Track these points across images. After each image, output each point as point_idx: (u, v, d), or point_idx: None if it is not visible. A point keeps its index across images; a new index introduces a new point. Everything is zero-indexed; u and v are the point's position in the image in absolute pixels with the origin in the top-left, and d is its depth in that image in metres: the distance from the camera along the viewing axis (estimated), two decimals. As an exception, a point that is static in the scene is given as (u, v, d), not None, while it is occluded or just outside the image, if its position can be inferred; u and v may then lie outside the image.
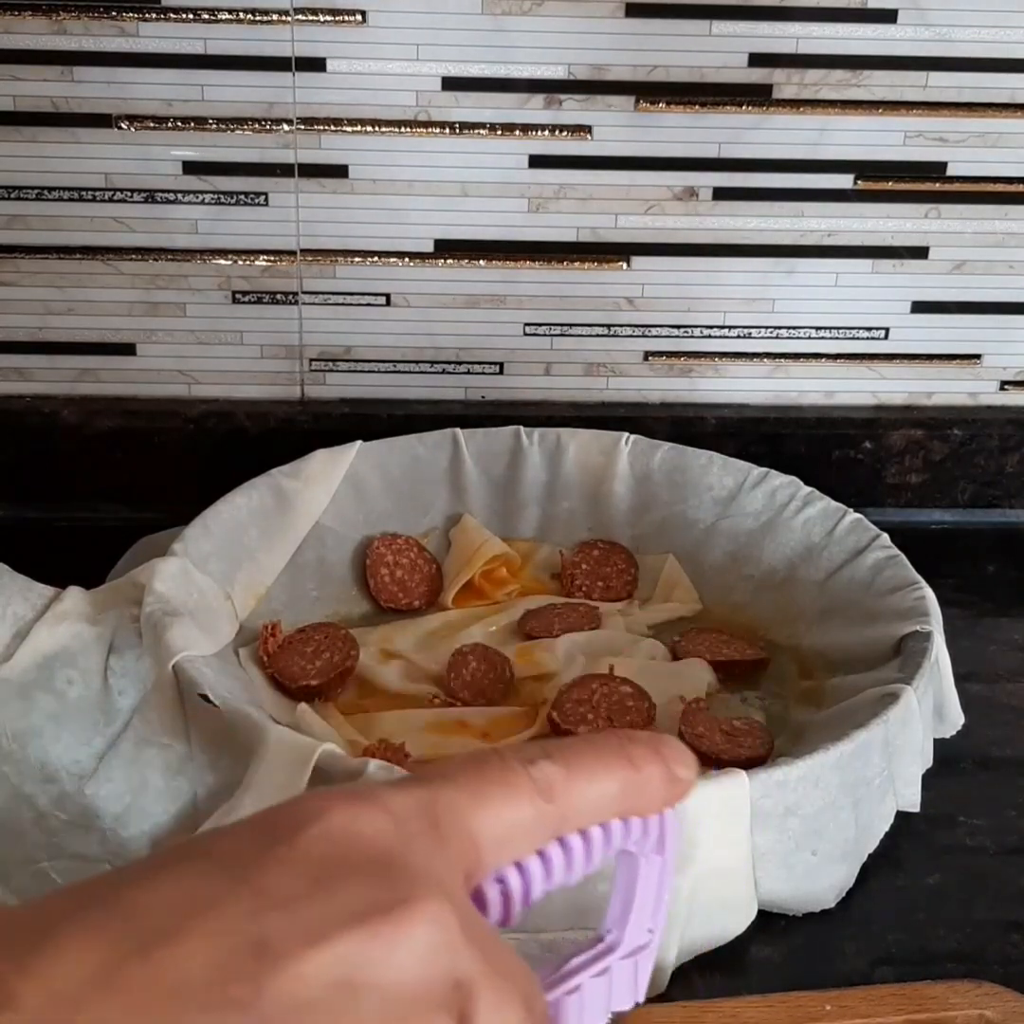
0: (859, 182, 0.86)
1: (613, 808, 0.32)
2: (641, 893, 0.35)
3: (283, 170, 0.83)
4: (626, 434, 0.81)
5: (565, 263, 0.87)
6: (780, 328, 0.90)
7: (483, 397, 0.90)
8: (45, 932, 0.26)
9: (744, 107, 0.84)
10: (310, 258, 0.86)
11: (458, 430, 0.81)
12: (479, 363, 0.89)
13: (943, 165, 0.86)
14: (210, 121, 0.82)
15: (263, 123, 0.82)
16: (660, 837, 0.34)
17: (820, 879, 0.59)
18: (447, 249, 0.86)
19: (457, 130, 0.83)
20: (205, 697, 0.59)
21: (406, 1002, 0.27)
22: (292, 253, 0.86)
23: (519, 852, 0.31)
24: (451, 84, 0.82)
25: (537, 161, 0.84)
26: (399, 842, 0.29)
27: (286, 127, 0.82)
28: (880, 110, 0.84)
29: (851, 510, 0.76)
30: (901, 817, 0.63)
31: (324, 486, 0.77)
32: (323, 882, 0.27)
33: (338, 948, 0.26)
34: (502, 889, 0.31)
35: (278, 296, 0.87)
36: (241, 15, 0.80)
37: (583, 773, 0.32)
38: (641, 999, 0.35)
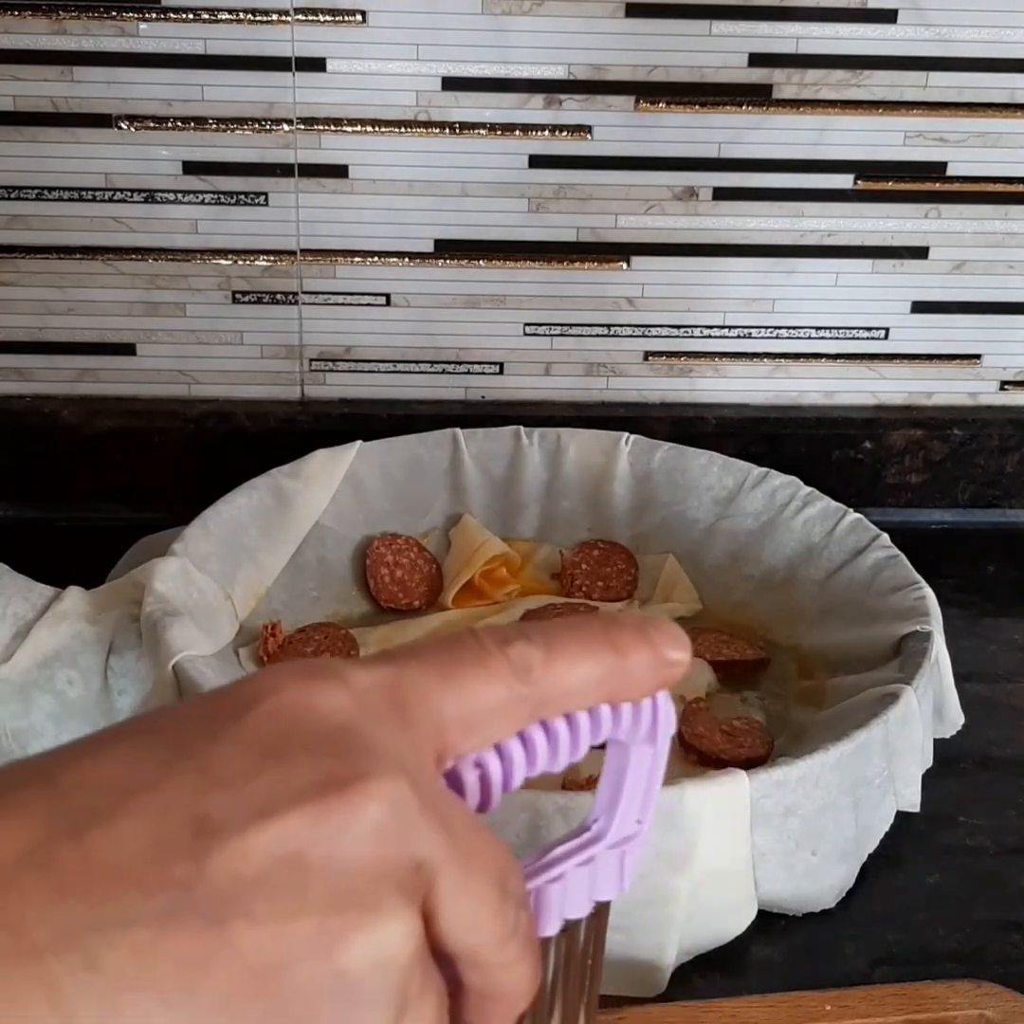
0: (859, 182, 0.86)
1: (598, 692, 0.31)
2: (630, 783, 0.34)
3: (283, 170, 0.83)
4: (626, 434, 0.81)
5: (565, 263, 0.87)
6: (780, 328, 0.90)
7: (483, 397, 0.90)
8: None
9: (744, 107, 0.84)
10: (310, 258, 0.86)
11: (458, 430, 0.81)
12: (479, 363, 0.89)
13: (943, 165, 0.86)
14: (210, 121, 0.82)
15: (263, 123, 0.82)
16: (652, 726, 0.33)
17: (820, 879, 0.59)
18: (447, 249, 0.86)
19: (457, 130, 0.83)
20: (205, 697, 0.59)
21: (359, 882, 0.26)
22: (292, 253, 0.86)
23: (496, 735, 0.29)
24: (451, 84, 0.82)
25: (537, 161, 0.84)
26: (357, 718, 0.27)
27: (286, 127, 0.82)
28: (880, 110, 0.84)
29: (851, 510, 0.76)
30: (901, 817, 0.63)
31: (324, 486, 0.77)
32: (272, 758, 0.26)
33: (285, 824, 0.25)
34: (480, 774, 0.29)
35: (278, 296, 0.87)
36: (241, 15, 0.80)
37: (564, 655, 0.30)
38: (625, 889, 0.34)
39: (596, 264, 0.87)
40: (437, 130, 0.83)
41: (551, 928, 0.32)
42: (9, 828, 0.25)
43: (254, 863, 0.25)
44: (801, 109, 0.84)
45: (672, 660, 0.31)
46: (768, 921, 0.58)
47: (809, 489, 0.78)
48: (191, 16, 0.79)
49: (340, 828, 0.26)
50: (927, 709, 0.65)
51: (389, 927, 0.26)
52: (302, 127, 0.82)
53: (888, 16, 0.82)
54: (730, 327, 0.89)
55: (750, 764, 0.59)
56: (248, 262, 0.86)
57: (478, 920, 0.27)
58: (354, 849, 0.26)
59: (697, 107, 0.83)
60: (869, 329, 0.90)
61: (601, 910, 0.34)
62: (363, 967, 0.25)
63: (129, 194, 0.83)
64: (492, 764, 0.29)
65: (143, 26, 0.79)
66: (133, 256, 0.85)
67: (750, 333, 0.90)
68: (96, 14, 0.79)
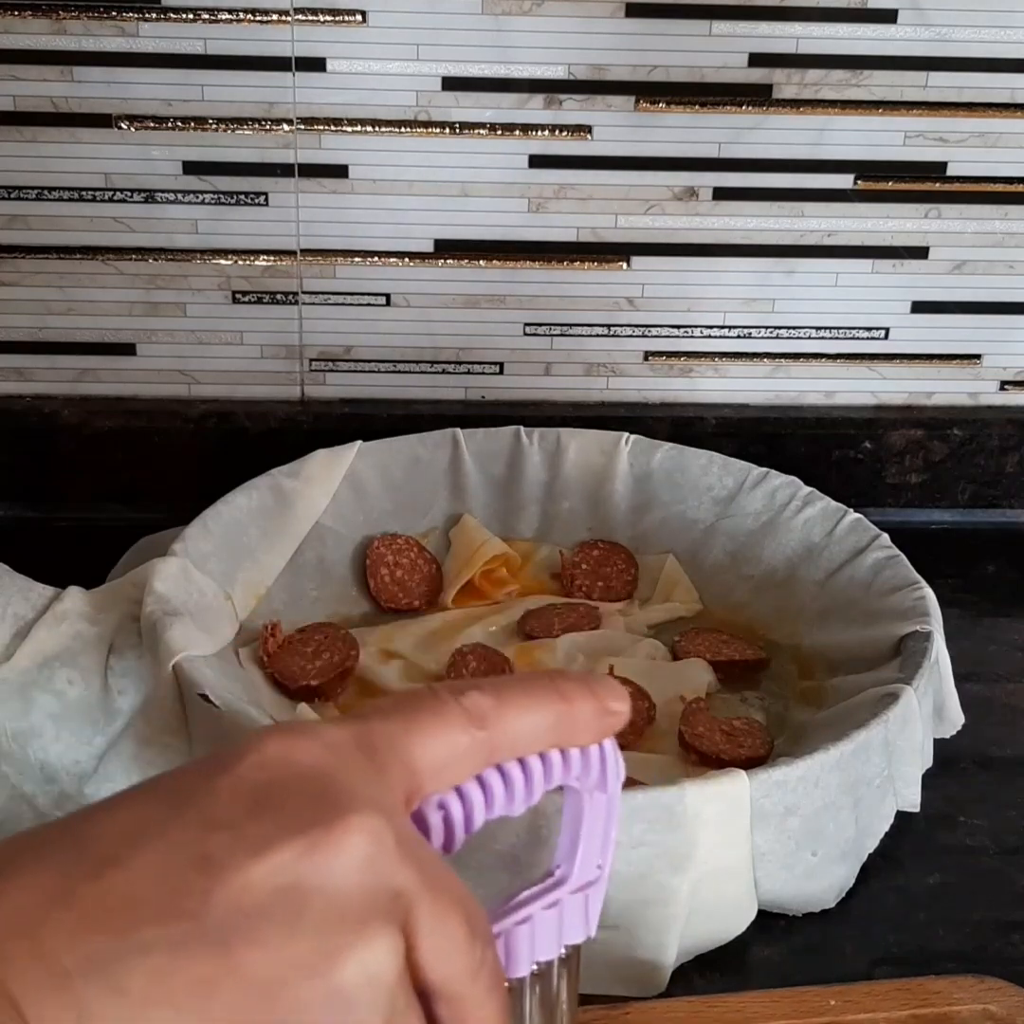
0: (859, 182, 0.86)
1: (547, 738, 0.34)
2: (587, 829, 0.36)
3: (283, 170, 0.83)
4: (626, 434, 0.81)
5: (565, 263, 0.87)
6: (780, 328, 0.90)
7: (483, 397, 0.90)
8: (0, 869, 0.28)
9: (744, 107, 0.84)
10: (310, 258, 0.86)
11: (458, 430, 0.81)
12: (479, 363, 0.89)
13: (943, 165, 0.86)
14: (210, 121, 0.82)
15: (263, 123, 0.82)
16: (602, 773, 0.35)
17: (820, 879, 0.59)
18: (447, 249, 0.86)
19: (457, 130, 0.83)
20: (205, 697, 0.59)
21: (348, 907, 0.29)
22: (292, 253, 0.86)
23: (457, 778, 0.32)
24: (451, 84, 0.82)
25: (537, 161, 0.84)
26: (333, 766, 0.30)
27: (286, 127, 0.82)
28: (880, 110, 0.84)
29: (851, 510, 0.76)
30: (901, 817, 0.63)
31: (324, 486, 0.77)
32: (263, 804, 0.29)
33: (280, 858, 0.28)
34: (444, 815, 0.32)
35: (278, 296, 0.87)
36: (241, 15, 0.80)
37: (514, 703, 0.33)
38: (593, 933, 0.37)
39: (596, 264, 0.87)
40: (437, 130, 0.83)
41: (522, 969, 0.34)
42: (36, 875, 0.28)
43: (254, 894, 0.28)
44: (801, 109, 0.84)
45: (614, 709, 0.35)
46: (768, 921, 0.58)
47: (809, 489, 0.78)
48: (191, 16, 0.79)
49: (328, 859, 0.29)
50: (927, 709, 0.65)
51: (378, 946, 0.29)
52: (302, 127, 0.82)
53: (888, 16, 0.82)
54: (730, 327, 0.89)
55: (750, 764, 0.59)
56: (248, 262, 0.86)
57: (450, 952, 0.30)
58: (342, 878, 0.29)
59: (697, 107, 0.83)
60: (869, 329, 0.90)
61: (572, 954, 0.36)
62: (356, 983, 0.28)
63: (129, 194, 0.83)
64: (454, 806, 0.32)
65: (143, 26, 0.79)
66: (133, 256, 0.85)
67: (750, 333, 0.90)
68: (96, 14, 0.79)
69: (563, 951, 0.36)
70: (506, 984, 0.33)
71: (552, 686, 0.34)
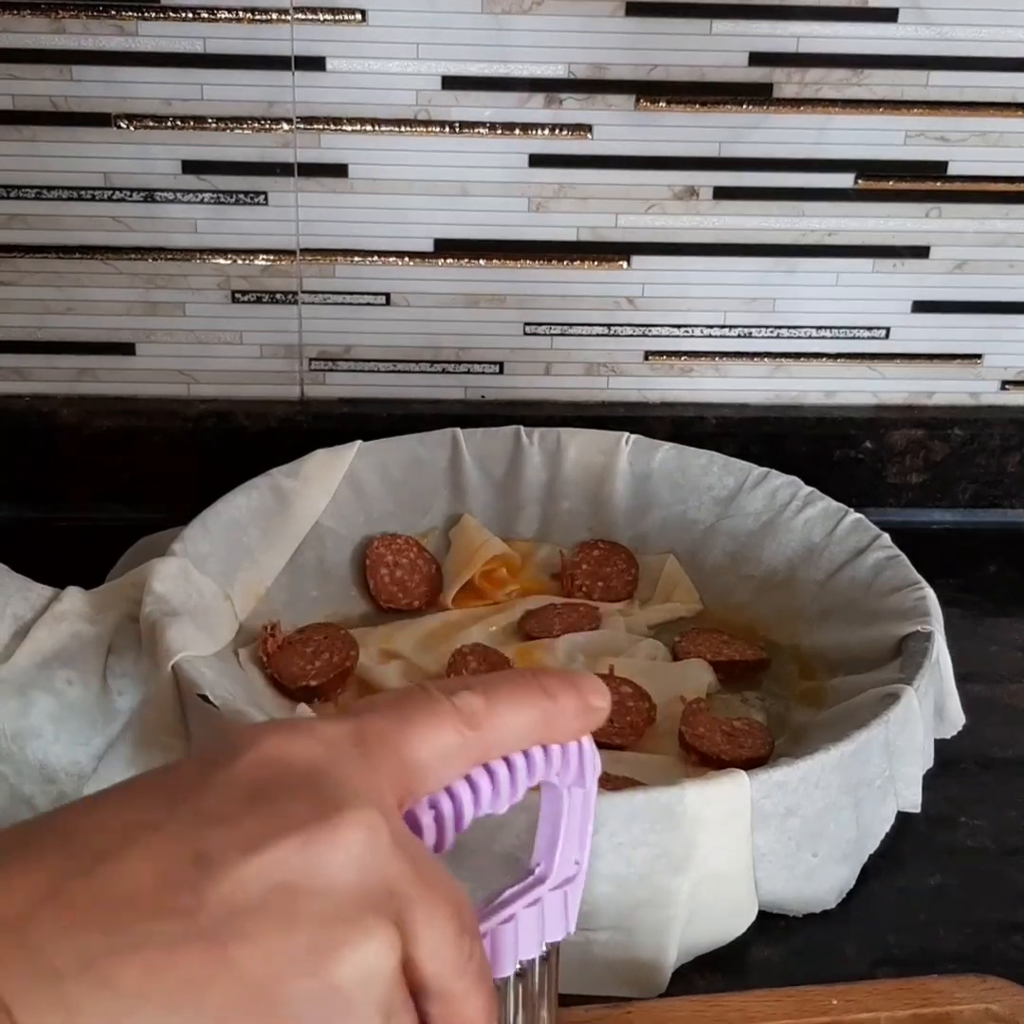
0: (860, 181, 0.86)
1: (533, 735, 0.34)
2: (566, 825, 0.36)
3: (283, 169, 0.83)
4: (626, 434, 0.81)
5: (565, 263, 0.87)
6: (780, 328, 0.90)
7: (483, 397, 0.90)
8: None
9: (744, 106, 0.83)
10: (310, 258, 0.86)
11: (458, 430, 0.81)
12: (479, 363, 0.89)
13: (944, 164, 0.86)
14: (209, 120, 0.82)
15: (262, 122, 0.82)
16: (580, 769, 0.35)
17: (821, 880, 0.59)
18: (447, 249, 0.86)
19: (457, 129, 0.83)
20: (205, 697, 0.59)
21: (343, 904, 0.28)
22: (292, 253, 0.86)
23: (448, 777, 0.32)
24: (451, 83, 0.82)
25: (537, 160, 0.84)
26: (327, 763, 0.30)
27: (285, 126, 0.82)
28: (881, 109, 0.84)
29: (852, 510, 0.76)
30: (902, 818, 0.63)
31: (324, 486, 0.77)
32: (258, 800, 0.29)
33: (275, 854, 0.28)
34: (435, 814, 0.32)
35: (278, 296, 0.87)
36: (240, 14, 0.79)
37: (503, 702, 0.33)
38: (572, 930, 0.37)
39: (596, 264, 0.87)
40: (437, 129, 0.83)
41: (508, 968, 0.34)
42: (27, 872, 0.27)
43: (248, 890, 0.28)
44: (801, 108, 0.84)
45: (596, 706, 0.35)
46: (769, 922, 0.58)
47: (810, 489, 0.78)
48: (190, 15, 0.79)
49: (323, 855, 0.28)
50: (928, 709, 0.65)
51: (373, 943, 0.28)
52: (302, 126, 0.82)
53: (889, 15, 0.82)
54: (730, 326, 0.89)
55: (751, 765, 0.59)
56: (248, 261, 0.86)
57: (440, 947, 0.30)
58: (338, 874, 0.28)
59: (697, 106, 0.83)
60: (870, 329, 0.90)
61: (552, 952, 0.36)
62: (352, 980, 0.28)
63: (128, 193, 0.83)
64: (445, 805, 0.32)
65: (142, 25, 0.79)
66: (132, 255, 0.85)
67: (750, 333, 0.90)
68: (95, 13, 0.79)
69: (544, 949, 0.36)
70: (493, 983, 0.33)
71: (537, 684, 0.34)
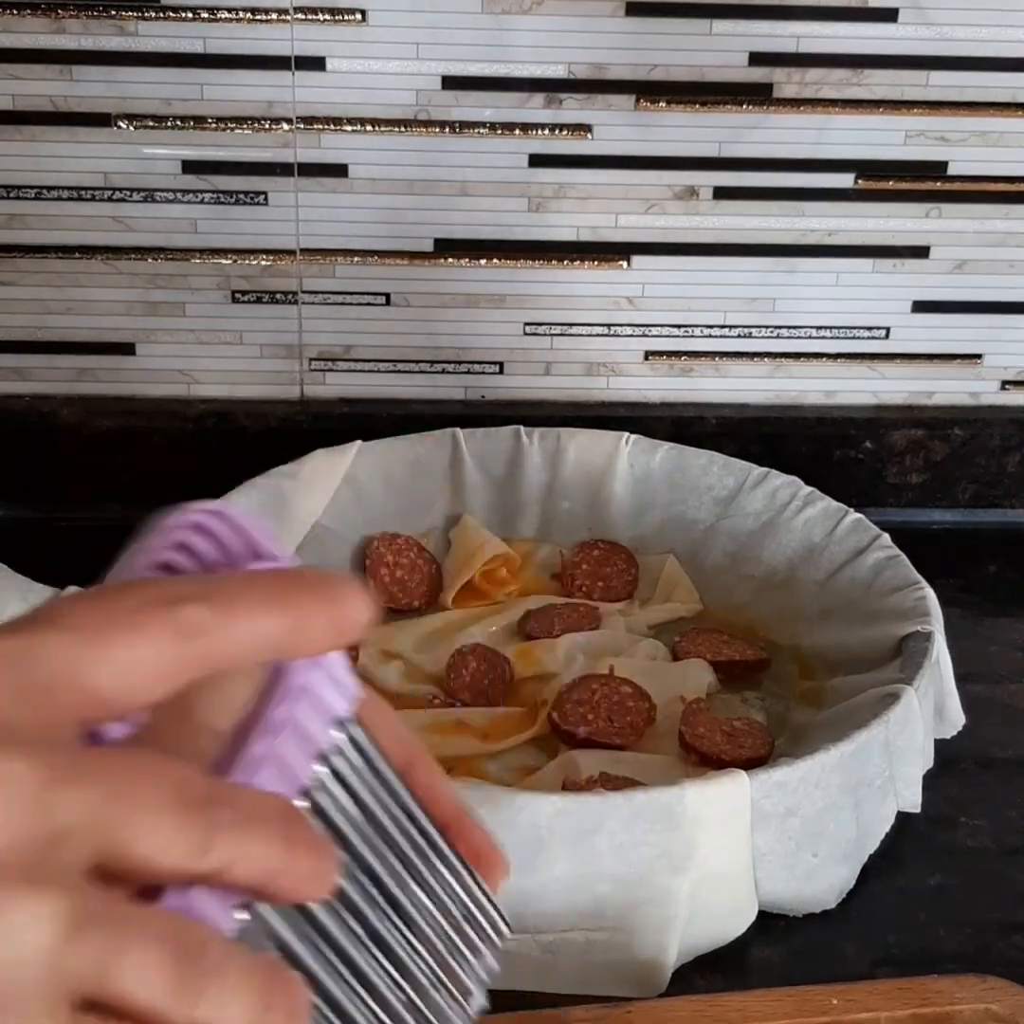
0: (860, 181, 0.86)
1: (272, 647, 0.29)
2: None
3: (282, 169, 0.83)
4: (626, 434, 0.81)
5: (565, 263, 0.87)
6: (781, 328, 0.90)
7: (483, 397, 0.90)
8: None
9: (744, 106, 0.83)
10: (310, 257, 0.86)
11: (458, 430, 0.81)
12: (479, 363, 0.89)
13: (944, 164, 0.86)
14: (209, 120, 0.82)
15: (262, 122, 0.82)
16: (332, 687, 0.31)
17: (821, 880, 0.59)
18: (447, 249, 0.86)
19: (457, 129, 0.83)
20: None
21: None
22: (292, 252, 0.86)
23: (157, 694, 0.28)
24: (451, 83, 0.82)
25: (537, 160, 0.84)
26: None
27: (285, 126, 0.82)
28: (881, 109, 0.84)
29: (852, 510, 0.76)
30: (902, 818, 0.63)
31: (323, 486, 0.77)
32: None
33: None
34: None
35: (278, 296, 0.87)
36: (240, 14, 0.79)
37: (237, 612, 0.29)
38: (360, 693, 0.32)
39: (596, 264, 0.87)
40: (437, 129, 0.83)
41: (303, 773, 0.29)
42: None
43: None
44: (801, 108, 0.84)
45: (351, 617, 0.30)
46: (769, 922, 0.58)
47: (810, 489, 0.78)
48: (190, 15, 0.79)
49: None
50: (928, 709, 0.65)
51: (21, 916, 0.24)
52: (301, 126, 0.82)
53: (889, 15, 0.82)
54: (731, 326, 0.89)
55: (751, 765, 0.59)
56: (248, 261, 0.86)
57: (164, 843, 0.26)
58: None
59: (697, 106, 0.83)
60: (870, 329, 0.90)
61: (353, 723, 0.31)
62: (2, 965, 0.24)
63: (128, 193, 0.83)
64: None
65: (142, 25, 0.79)
66: (132, 255, 0.85)
67: (751, 333, 0.90)
68: (95, 13, 0.79)
69: (341, 728, 0.31)
70: (292, 807, 0.28)
71: (283, 589, 0.29)
